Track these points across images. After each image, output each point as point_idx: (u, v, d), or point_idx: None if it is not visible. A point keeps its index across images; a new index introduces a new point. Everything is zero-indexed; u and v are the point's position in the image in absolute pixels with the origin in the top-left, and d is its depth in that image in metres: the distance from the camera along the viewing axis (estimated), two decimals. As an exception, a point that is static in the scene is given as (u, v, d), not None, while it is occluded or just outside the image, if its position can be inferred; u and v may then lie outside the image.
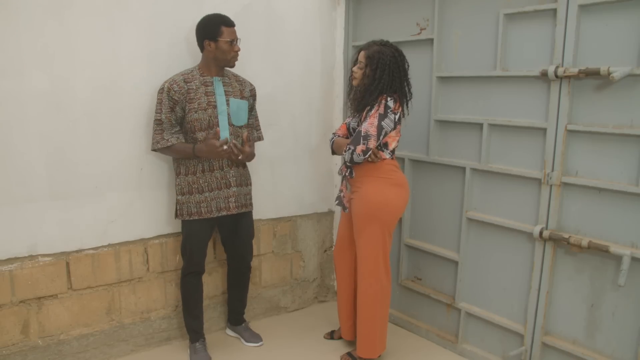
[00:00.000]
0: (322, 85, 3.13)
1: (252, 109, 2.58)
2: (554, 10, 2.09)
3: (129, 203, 2.49)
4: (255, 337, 2.76)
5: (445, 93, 2.61)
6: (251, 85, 2.58)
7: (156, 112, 2.36)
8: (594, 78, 2.00)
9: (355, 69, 2.35)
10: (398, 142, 2.36)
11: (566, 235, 2.12)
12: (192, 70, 2.40)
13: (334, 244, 2.87)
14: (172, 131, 2.36)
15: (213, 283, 2.81)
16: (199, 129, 2.36)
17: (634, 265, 1.95)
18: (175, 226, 2.64)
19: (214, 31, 2.31)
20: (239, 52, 2.40)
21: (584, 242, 2.04)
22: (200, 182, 2.40)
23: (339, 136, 2.50)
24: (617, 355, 2.04)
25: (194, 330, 2.57)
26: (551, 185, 2.17)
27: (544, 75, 2.13)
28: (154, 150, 2.40)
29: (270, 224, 3.02)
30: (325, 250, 3.32)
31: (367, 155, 2.25)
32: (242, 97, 2.49)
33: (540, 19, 2.16)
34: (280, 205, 3.04)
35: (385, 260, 2.40)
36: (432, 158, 2.69)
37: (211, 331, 2.83)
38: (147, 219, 2.56)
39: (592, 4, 1.98)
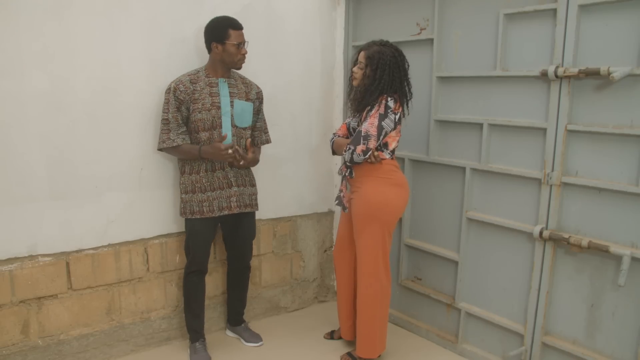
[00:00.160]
0: (322, 85, 3.13)
1: (258, 111, 2.61)
2: (554, 10, 2.09)
3: (129, 203, 2.49)
4: (255, 337, 2.76)
5: (445, 93, 2.61)
6: (258, 87, 2.60)
7: (163, 112, 2.38)
8: (594, 78, 2.00)
9: (355, 69, 2.35)
10: (398, 142, 2.36)
11: (566, 235, 2.12)
12: (198, 71, 2.42)
13: (334, 244, 2.87)
14: (179, 131, 2.37)
15: (213, 283, 2.81)
16: (202, 129, 2.38)
17: (634, 265, 1.95)
18: (175, 226, 2.64)
19: (221, 34, 2.33)
20: (245, 55, 2.42)
21: (584, 242, 2.04)
22: (204, 181, 2.42)
23: (339, 136, 2.50)
24: (617, 355, 2.04)
25: (195, 330, 2.58)
26: (551, 185, 2.17)
27: (544, 75, 2.13)
28: (160, 149, 2.41)
29: (270, 224, 3.02)
30: (325, 250, 3.32)
31: (367, 155, 2.25)
32: (248, 99, 2.51)
33: (540, 19, 2.16)
34: (280, 205, 3.04)
35: (385, 260, 2.40)
36: (432, 158, 2.69)
37: (211, 331, 2.83)
38: (147, 218, 2.56)
39: (592, 4, 1.98)
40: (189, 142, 2.40)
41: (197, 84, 2.37)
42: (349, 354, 2.55)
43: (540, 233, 2.20)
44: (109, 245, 2.46)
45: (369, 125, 2.23)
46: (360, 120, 2.33)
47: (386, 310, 2.47)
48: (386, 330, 2.52)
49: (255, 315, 3.04)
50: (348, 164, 2.35)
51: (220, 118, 2.40)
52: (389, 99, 2.24)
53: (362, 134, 2.24)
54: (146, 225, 2.56)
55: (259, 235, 2.93)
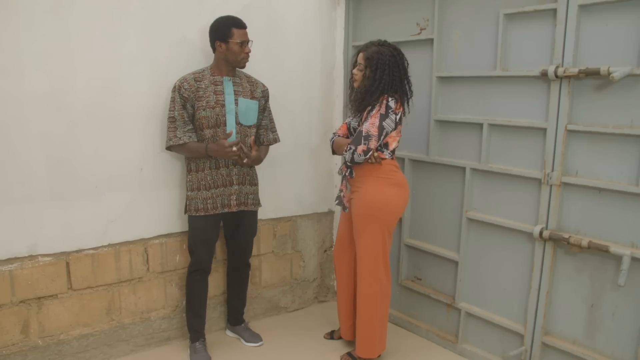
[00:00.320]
0: (322, 85, 3.13)
1: (264, 109, 2.62)
2: (554, 10, 2.09)
3: (128, 203, 2.49)
4: (255, 337, 2.76)
5: (445, 93, 2.61)
6: (264, 86, 2.61)
7: (169, 110, 2.40)
8: (594, 78, 2.00)
9: (355, 71, 2.35)
10: (398, 142, 2.36)
11: (566, 235, 2.12)
12: (203, 70, 2.44)
13: (334, 244, 2.87)
14: (185, 129, 2.39)
15: (213, 283, 2.81)
16: (206, 126, 2.40)
17: (634, 265, 1.95)
18: (176, 226, 2.64)
19: (225, 33, 2.35)
20: (249, 54, 2.43)
21: (584, 242, 2.04)
22: (208, 179, 2.44)
23: (339, 136, 2.50)
24: (617, 355, 2.04)
25: (195, 330, 2.58)
26: (551, 185, 2.17)
27: (544, 75, 2.13)
28: (167, 148, 2.42)
29: (270, 224, 3.02)
30: (325, 250, 3.32)
31: (367, 156, 2.25)
32: (253, 98, 2.52)
33: (540, 19, 2.16)
34: (280, 205, 3.04)
35: (385, 260, 2.40)
36: (432, 158, 2.69)
37: (211, 331, 2.83)
38: (147, 218, 2.56)
39: (592, 4, 1.98)
40: (196, 140, 2.41)
41: (201, 82, 2.40)
42: (349, 354, 2.55)
43: (540, 233, 2.20)
44: (109, 245, 2.46)
45: (370, 125, 2.23)
46: (361, 120, 2.33)
47: (386, 310, 2.47)
48: (386, 330, 2.52)
49: (255, 315, 3.04)
50: (348, 164, 2.35)
51: (224, 116, 2.41)
52: (389, 99, 2.24)
53: (363, 134, 2.23)
54: (146, 225, 2.56)
55: (259, 235, 2.93)
